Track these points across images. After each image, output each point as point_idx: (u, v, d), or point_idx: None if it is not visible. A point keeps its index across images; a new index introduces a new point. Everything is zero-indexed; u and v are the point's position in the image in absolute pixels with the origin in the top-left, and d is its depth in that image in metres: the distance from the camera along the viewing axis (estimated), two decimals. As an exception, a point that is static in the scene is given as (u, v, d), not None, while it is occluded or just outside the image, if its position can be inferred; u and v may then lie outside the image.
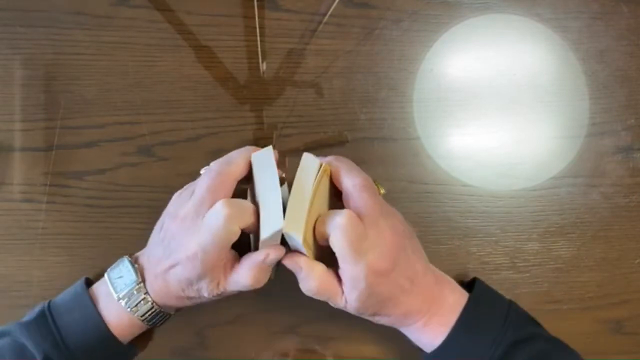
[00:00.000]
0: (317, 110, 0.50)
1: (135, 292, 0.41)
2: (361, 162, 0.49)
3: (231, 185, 0.40)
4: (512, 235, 0.50)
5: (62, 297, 0.42)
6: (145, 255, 0.43)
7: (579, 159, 0.51)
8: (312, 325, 0.48)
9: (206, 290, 0.40)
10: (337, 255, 0.39)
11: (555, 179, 0.51)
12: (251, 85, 0.50)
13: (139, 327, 0.43)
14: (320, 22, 0.50)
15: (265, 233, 0.38)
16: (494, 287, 0.48)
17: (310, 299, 0.41)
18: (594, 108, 0.51)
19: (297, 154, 0.49)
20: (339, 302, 0.41)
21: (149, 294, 0.41)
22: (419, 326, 0.42)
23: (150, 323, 0.42)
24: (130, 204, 0.48)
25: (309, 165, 0.41)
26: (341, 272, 0.40)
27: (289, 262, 0.40)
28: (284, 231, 0.38)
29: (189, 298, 0.41)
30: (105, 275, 0.42)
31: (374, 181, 0.42)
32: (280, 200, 0.39)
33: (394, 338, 0.47)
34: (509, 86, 0.51)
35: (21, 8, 0.49)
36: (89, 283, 0.44)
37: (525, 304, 0.49)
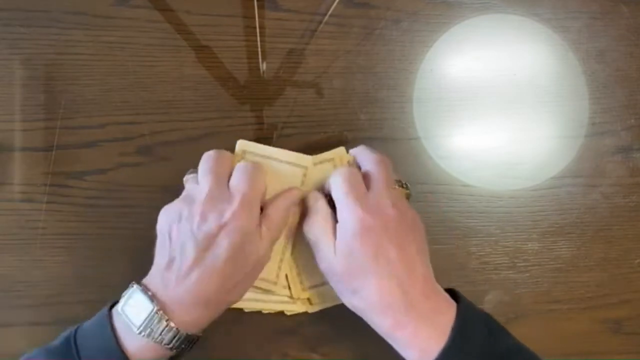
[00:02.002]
0: (317, 110, 0.50)
1: (155, 322, 0.37)
2: (361, 162, 0.49)
3: (230, 160, 0.42)
4: (512, 235, 0.50)
5: (89, 325, 0.39)
6: (154, 278, 0.39)
7: (579, 159, 0.51)
8: (312, 326, 0.48)
9: (256, 245, 0.39)
10: (335, 200, 0.40)
11: (555, 179, 0.51)
12: (251, 85, 0.50)
13: (164, 355, 0.39)
14: (320, 22, 0.50)
15: None
16: (495, 286, 0.48)
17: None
18: (594, 108, 0.51)
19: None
20: (327, 252, 0.40)
21: (171, 320, 0.37)
22: (403, 338, 0.39)
23: (178, 350, 0.39)
24: (130, 204, 0.48)
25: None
26: (338, 215, 0.40)
27: (312, 197, 0.42)
28: None
29: (233, 284, 0.39)
30: (120, 310, 0.38)
31: (400, 181, 0.43)
32: None
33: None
34: (509, 86, 0.51)
35: (21, 8, 0.49)
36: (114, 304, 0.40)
37: (525, 304, 0.49)
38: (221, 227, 0.38)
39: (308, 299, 0.45)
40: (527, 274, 0.50)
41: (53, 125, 0.48)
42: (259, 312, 0.47)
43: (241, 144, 0.44)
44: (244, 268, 0.39)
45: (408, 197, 0.44)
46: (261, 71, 0.50)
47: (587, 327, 0.49)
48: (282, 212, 0.42)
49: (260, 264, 0.41)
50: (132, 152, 0.48)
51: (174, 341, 0.38)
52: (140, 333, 0.37)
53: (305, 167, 0.44)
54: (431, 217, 0.49)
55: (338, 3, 0.50)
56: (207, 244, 0.38)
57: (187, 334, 0.38)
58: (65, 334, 0.39)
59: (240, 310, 0.47)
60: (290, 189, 0.43)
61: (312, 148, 0.49)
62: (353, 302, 0.40)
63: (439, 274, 0.49)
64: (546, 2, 0.52)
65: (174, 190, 0.48)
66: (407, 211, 0.41)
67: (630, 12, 0.52)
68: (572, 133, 0.51)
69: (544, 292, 0.50)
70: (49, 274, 0.47)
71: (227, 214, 0.38)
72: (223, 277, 0.38)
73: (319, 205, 0.42)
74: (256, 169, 0.41)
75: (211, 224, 0.38)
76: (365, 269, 0.39)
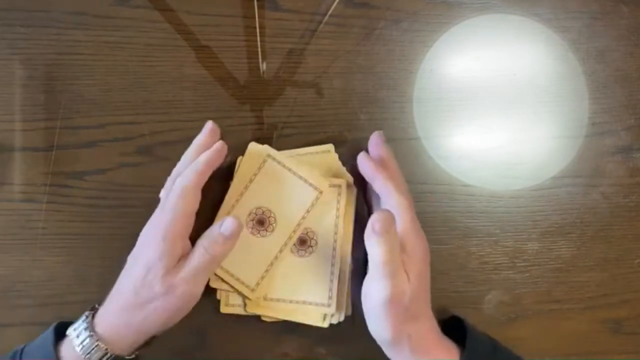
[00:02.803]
0: (317, 110, 0.50)
1: (84, 331, 0.40)
2: (361, 162, 0.49)
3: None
4: (512, 235, 0.50)
5: (36, 341, 0.42)
6: (106, 305, 0.42)
7: (579, 159, 0.51)
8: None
9: (159, 279, 0.40)
10: (403, 228, 0.42)
11: (555, 179, 0.51)
12: (251, 85, 0.50)
13: None
14: (320, 22, 0.50)
15: None
16: (495, 286, 0.48)
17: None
18: (594, 108, 0.51)
19: (297, 154, 0.49)
20: (401, 282, 0.40)
21: (107, 347, 0.40)
22: None
23: None
24: (130, 204, 0.48)
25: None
26: (409, 242, 0.42)
27: (383, 222, 0.39)
28: None
29: (139, 306, 0.40)
30: (68, 332, 0.41)
31: None
32: None
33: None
34: (509, 86, 0.51)
35: (21, 8, 0.49)
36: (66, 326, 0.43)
37: (525, 304, 0.49)
38: (137, 254, 0.42)
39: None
40: (527, 274, 0.50)
41: (53, 125, 0.48)
42: (259, 312, 0.47)
43: (267, 148, 0.46)
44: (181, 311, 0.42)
45: None
46: (261, 71, 0.50)
47: (587, 327, 0.49)
48: (202, 267, 0.42)
49: (193, 302, 0.42)
50: (132, 152, 0.48)
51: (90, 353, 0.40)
52: (72, 341, 0.40)
53: (321, 192, 0.45)
54: (431, 217, 0.49)
55: (338, 3, 0.50)
56: (147, 298, 0.41)
57: (116, 356, 0.41)
58: (12, 351, 0.42)
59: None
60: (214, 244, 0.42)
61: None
62: (408, 329, 0.40)
63: (439, 274, 0.49)
64: (546, 2, 0.52)
65: (174, 190, 0.48)
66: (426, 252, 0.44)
67: (630, 12, 0.52)
68: (572, 133, 0.51)
69: (544, 292, 0.50)
70: (49, 274, 0.47)
71: (142, 245, 0.42)
72: (139, 285, 0.41)
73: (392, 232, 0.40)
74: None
75: (153, 287, 0.40)
76: (424, 297, 0.42)
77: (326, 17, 0.50)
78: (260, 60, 0.50)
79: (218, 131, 0.46)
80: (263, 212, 0.46)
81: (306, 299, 0.45)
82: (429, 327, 0.41)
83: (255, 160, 0.46)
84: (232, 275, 0.45)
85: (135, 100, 0.49)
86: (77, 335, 0.40)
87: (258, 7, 0.50)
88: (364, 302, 0.41)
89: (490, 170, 0.50)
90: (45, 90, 0.48)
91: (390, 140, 0.50)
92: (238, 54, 0.50)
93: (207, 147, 0.44)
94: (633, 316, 0.50)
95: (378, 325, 0.40)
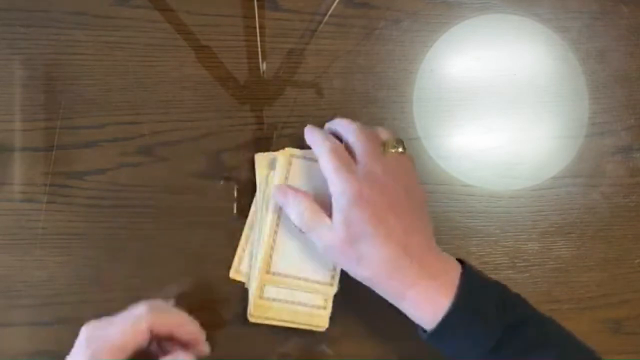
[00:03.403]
0: (317, 110, 0.50)
1: None
2: (361, 162, 0.49)
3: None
4: (512, 235, 0.50)
5: None
6: None
7: (579, 159, 0.51)
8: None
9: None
10: (327, 176, 0.41)
11: (555, 179, 0.51)
12: (251, 85, 0.50)
13: None
14: (320, 22, 0.50)
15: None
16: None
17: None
18: (594, 108, 0.51)
19: (297, 154, 0.49)
20: (325, 232, 0.41)
21: None
22: (414, 297, 0.39)
23: None
24: (130, 204, 0.48)
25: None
26: (331, 190, 0.41)
27: (279, 194, 0.43)
28: None
29: None
30: None
31: (390, 141, 0.43)
32: None
33: (395, 338, 0.47)
34: (509, 86, 0.51)
35: (21, 8, 0.49)
36: None
37: (525, 304, 0.49)
38: None
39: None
40: (527, 274, 0.50)
41: (53, 125, 0.48)
42: (259, 312, 0.47)
43: (284, 151, 0.46)
44: None
45: (404, 150, 0.44)
46: (261, 71, 0.50)
47: (587, 327, 0.49)
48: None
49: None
50: (132, 152, 0.48)
51: None
52: None
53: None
54: (431, 217, 0.49)
55: (338, 3, 0.50)
56: None
57: None
58: None
59: (241, 310, 0.47)
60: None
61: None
62: (360, 273, 0.41)
63: (439, 274, 0.49)
64: (546, 2, 0.52)
65: (174, 190, 0.48)
66: (401, 177, 0.42)
67: (630, 12, 0.52)
68: (572, 133, 0.51)
69: (544, 292, 0.50)
70: (49, 274, 0.47)
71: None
72: None
73: (297, 195, 0.43)
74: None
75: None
76: (366, 234, 0.39)
77: (326, 17, 0.50)
78: (260, 60, 0.50)
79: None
80: None
81: (309, 276, 0.45)
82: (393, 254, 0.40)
83: (287, 163, 0.46)
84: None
85: (135, 100, 0.49)
86: None
87: (258, 7, 0.50)
88: None
89: (490, 170, 0.50)
90: (45, 90, 0.48)
91: (390, 140, 0.50)
92: (238, 54, 0.50)
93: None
94: (633, 316, 0.50)
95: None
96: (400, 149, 0.43)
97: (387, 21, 0.51)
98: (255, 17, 0.50)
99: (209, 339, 0.47)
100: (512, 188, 0.50)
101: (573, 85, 0.51)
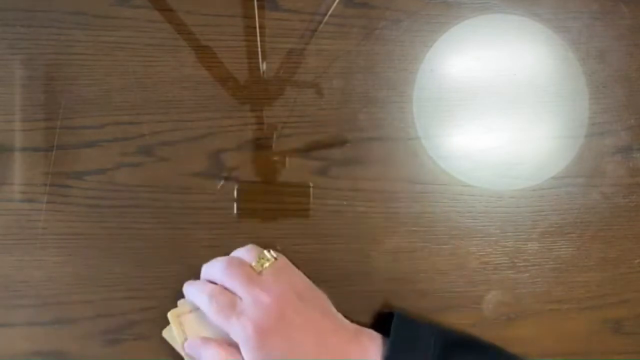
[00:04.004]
0: (317, 110, 0.50)
1: None
2: (361, 162, 0.49)
3: None
4: (512, 235, 0.50)
5: None
6: None
7: (579, 159, 0.51)
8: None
9: None
10: (219, 325, 0.42)
11: (555, 179, 0.51)
12: (251, 85, 0.50)
13: None
14: (320, 22, 0.50)
15: None
16: (494, 287, 0.48)
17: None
18: (594, 108, 0.51)
19: (297, 154, 0.49)
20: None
21: None
22: None
23: None
24: (130, 204, 0.48)
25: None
26: (232, 337, 0.41)
27: (190, 350, 0.43)
28: None
29: None
30: None
31: (256, 262, 0.44)
32: None
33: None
34: (509, 86, 0.51)
35: (21, 8, 0.49)
36: None
37: (525, 304, 0.49)
38: None
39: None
40: (527, 274, 0.50)
41: (53, 125, 0.48)
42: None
43: (176, 310, 0.45)
44: None
45: (274, 258, 0.44)
46: (261, 71, 0.50)
47: (587, 327, 0.49)
48: None
49: None
50: (132, 152, 0.48)
51: None
52: None
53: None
54: (431, 217, 0.49)
55: (338, 3, 0.50)
56: None
57: None
58: None
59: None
60: None
61: (312, 148, 0.49)
62: None
63: (439, 274, 0.49)
64: (546, 2, 0.52)
65: (174, 190, 0.48)
66: (287, 287, 0.42)
67: (630, 12, 0.52)
68: (572, 133, 0.51)
69: (544, 292, 0.50)
70: (49, 274, 0.47)
71: None
72: None
73: (206, 344, 0.43)
74: None
75: None
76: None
77: (326, 17, 0.50)
78: (260, 60, 0.50)
79: None
80: None
81: None
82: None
83: (173, 327, 0.45)
84: None
85: (135, 100, 0.49)
86: None
87: (258, 7, 0.50)
88: None
89: (490, 170, 0.50)
90: (45, 90, 0.48)
91: (390, 140, 0.50)
92: (238, 54, 0.50)
93: None
94: (633, 316, 0.50)
95: None
96: (270, 261, 0.44)
97: (387, 21, 0.51)
98: (255, 17, 0.50)
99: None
100: (512, 188, 0.50)
101: (573, 85, 0.51)
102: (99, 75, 0.49)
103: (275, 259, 0.44)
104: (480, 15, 0.51)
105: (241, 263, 0.44)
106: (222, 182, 0.48)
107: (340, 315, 0.44)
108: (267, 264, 0.43)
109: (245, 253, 0.45)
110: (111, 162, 0.48)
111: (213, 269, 0.44)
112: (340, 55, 0.50)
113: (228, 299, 0.42)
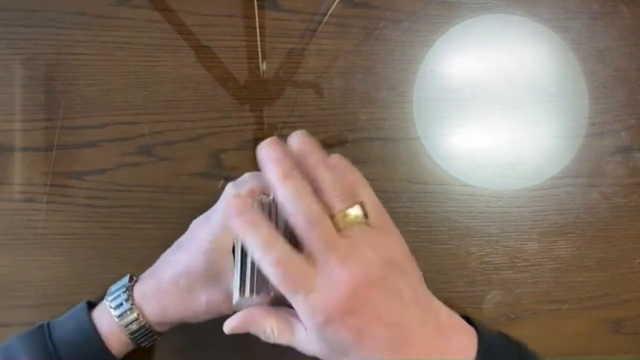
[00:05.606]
0: (317, 110, 0.50)
1: (122, 295, 0.41)
2: (361, 162, 0.49)
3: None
4: (512, 235, 0.50)
5: (64, 316, 0.43)
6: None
7: (579, 159, 0.51)
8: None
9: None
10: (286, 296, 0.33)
11: (555, 179, 0.51)
12: (251, 85, 0.50)
13: (127, 343, 0.41)
14: (320, 22, 0.50)
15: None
16: (495, 286, 0.48)
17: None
18: (594, 108, 0.51)
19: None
20: (303, 345, 0.35)
21: (136, 306, 0.40)
22: None
23: (133, 336, 0.41)
24: (130, 204, 0.48)
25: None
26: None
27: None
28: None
29: (178, 291, 0.39)
30: (105, 301, 0.42)
31: (339, 215, 0.33)
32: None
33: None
34: (509, 86, 0.51)
35: (21, 8, 0.49)
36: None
37: (525, 304, 0.49)
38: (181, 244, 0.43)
39: None
40: (527, 274, 0.50)
41: (53, 125, 0.48)
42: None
43: None
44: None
45: (365, 216, 0.34)
46: (261, 71, 0.50)
47: (587, 327, 0.49)
48: None
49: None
50: (132, 152, 0.48)
51: (132, 324, 0.40)
52: (109, 304, 0.41)
53: None
54: (431, 217, 0.49)
55: (338, 3, 0.50)
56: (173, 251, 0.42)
57: (145, 323, 0.40)
58: (38, 323, 0.42)
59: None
60: None
61: (312, 148, 0.49)
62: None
63: (439, 274, 0.49)
64: (546, 2, 0.52)
65: (174, 190, 0.48)
66: (366, 261, 0.33)
67: (630, 12, 0.52)
68: (572, 133, 0.51)
69: (544, 292, 0.50)
70: (49, 274, 0.47)
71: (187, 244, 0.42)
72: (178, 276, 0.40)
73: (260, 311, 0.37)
74: None
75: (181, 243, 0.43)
76: (350, 349, 0.33)
77: (326, 17, 0.50)
78: (260, 60, 0.50)
79: None
80: None
81: None
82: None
83: None
84: None
85: (135, 100, 0.49)
86: (115, 305, 0.41)
87: (258, 7, 0.50)
88: None
89: (490, 170, 0.50)
90: (45, 90, 0.48)
91: (390, 140, 0.50)
92: (238, 54, 0.50)
93: None
94: (633, 316, 0.50)
95: None
96: (359, 217, 0.34)
97: (387, 21, 0.51)
98: (255, 17, 0.50)
99: (209, 338, 0.47)
100: (512, 188, 0.50)
101: (573, 85, 0.51)
102: (99, 75, 0.49)
103: (366, 216, 0.34)
104: (480, 15, 0.51)
105: (323, 219, 0.33)
106: (222, 182, 0.48)
107: (435, 301, 0.36)
108: (357, 228, 0.33)
109: (330, 184, 0.34)
110: (111, 162, 0.48)
111: (290, 203, 0.34)
112: (340, 55, 0.50)
113: (297, 267, 0.33)
